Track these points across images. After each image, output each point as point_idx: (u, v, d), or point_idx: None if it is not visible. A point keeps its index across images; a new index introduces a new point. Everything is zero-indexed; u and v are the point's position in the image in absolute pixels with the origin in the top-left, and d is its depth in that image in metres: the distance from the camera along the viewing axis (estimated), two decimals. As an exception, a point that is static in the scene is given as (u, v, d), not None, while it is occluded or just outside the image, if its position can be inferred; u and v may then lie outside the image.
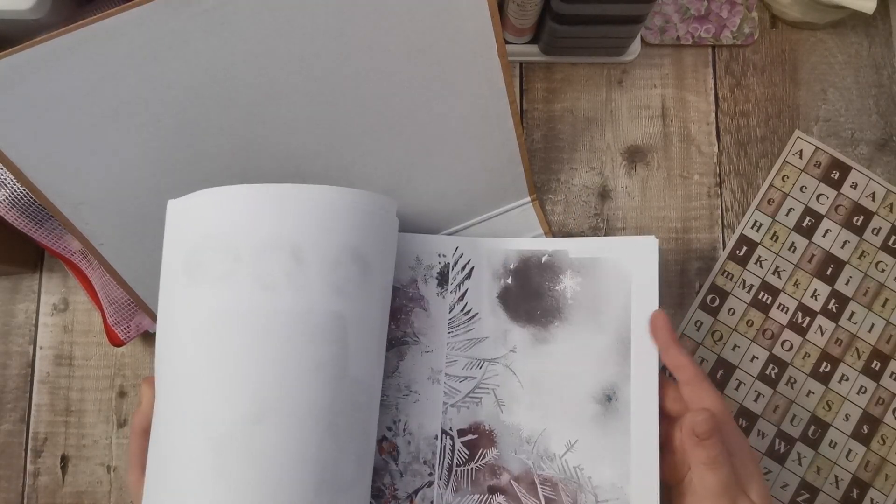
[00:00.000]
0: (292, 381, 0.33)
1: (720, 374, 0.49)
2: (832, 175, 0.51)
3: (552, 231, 0.51)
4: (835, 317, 0.49)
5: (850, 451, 0.48)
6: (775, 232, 0.50)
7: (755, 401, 0.48)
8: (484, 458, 0.42)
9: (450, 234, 0.48)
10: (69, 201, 0.38)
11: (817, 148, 0.52)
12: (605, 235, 0.51)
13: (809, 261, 0.50)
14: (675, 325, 0.50)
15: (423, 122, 0.42)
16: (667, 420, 0.40)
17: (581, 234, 0.51)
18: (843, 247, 0.50)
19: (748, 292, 0.50)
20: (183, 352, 0.34)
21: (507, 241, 0.45)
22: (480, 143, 0.44)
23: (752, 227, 0.50)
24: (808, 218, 0.50)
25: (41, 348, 0.49)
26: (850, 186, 0.51)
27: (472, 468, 0.42)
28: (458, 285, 0.45)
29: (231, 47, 0.36)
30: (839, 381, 0.48)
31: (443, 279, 0.45)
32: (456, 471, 0.42)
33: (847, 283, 0.50)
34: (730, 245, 0.50)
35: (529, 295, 0.44)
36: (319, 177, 0.42)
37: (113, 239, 0.40)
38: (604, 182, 0.52)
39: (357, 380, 0.35)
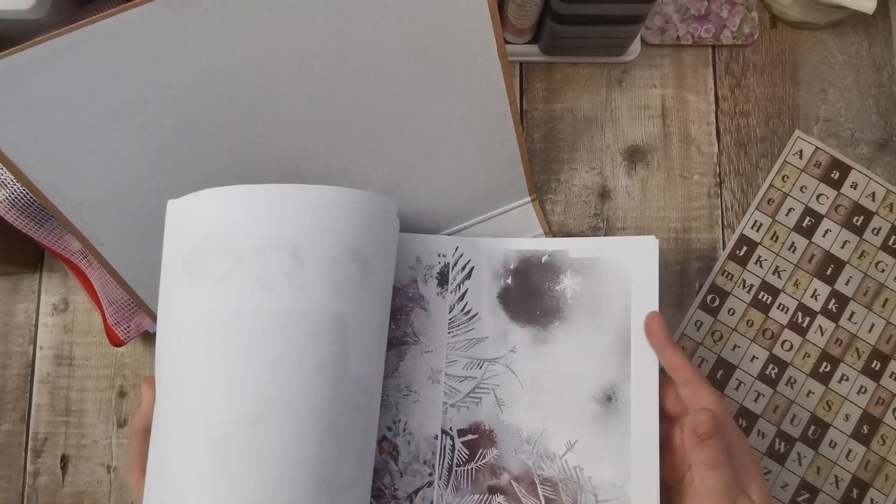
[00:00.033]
0: (292, 381, 0.33)
1: (720, 374, 0.49)
2: (832, 175, 0.51)
3: (552, 231, 0.51)
4: (835, 317, 0.49)
5: (850, 451, 0.48)
6: (775, 232, 0.50)
7: (755, 401, 0.48)
8: (484, 458, 0.42)
9: (450, 234, 0.48)
10: (69, 201, 0.38)
11: (817, 148, 0.52)
12: (605, 235, 0.51)
13: (809, 261, 0.50)
14: (675, 325, 0.50)
15: (423, 122, 0.42)
16: (667, 420, 0.40)
17: (581, 234, 0.51)
18: (843, 247, 0.50)
19: (748, 292, 0.50)
20: (183, 352, 0.34)
21: (507, 241, 0.45)
22: (480, 143, 0.44)
23: (752, 227, 0.50)
24: (808, 218, 0.50)
25: (41, 348, 0.49)
26: (850, 186, 0.51)
27: (472, 468, 0.42)
28: (458, 285, 0.45)
29: (231, 47, 0.36)
30: (839, 381, 0.48)
31: (443, 279, 0.45)
32: (456, 471, 0.42)
33: (847, 283, 0.50)
34: (730, 245, 0.50)
35: (529, 295, 0.44)
36: (319, 177, 0.42)
37: (113, 239, 0.40)
38: (604, 182, 0.52)
39: (357, 380, 0.35)
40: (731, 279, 0.50)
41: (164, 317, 0.35)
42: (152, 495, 0.34)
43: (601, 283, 0.42)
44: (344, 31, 0.37)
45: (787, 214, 0.51)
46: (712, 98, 0.53)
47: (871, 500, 0.47)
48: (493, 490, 0.42)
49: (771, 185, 0.51)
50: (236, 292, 0.33)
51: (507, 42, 0.51)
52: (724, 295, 0.50)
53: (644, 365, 0.40)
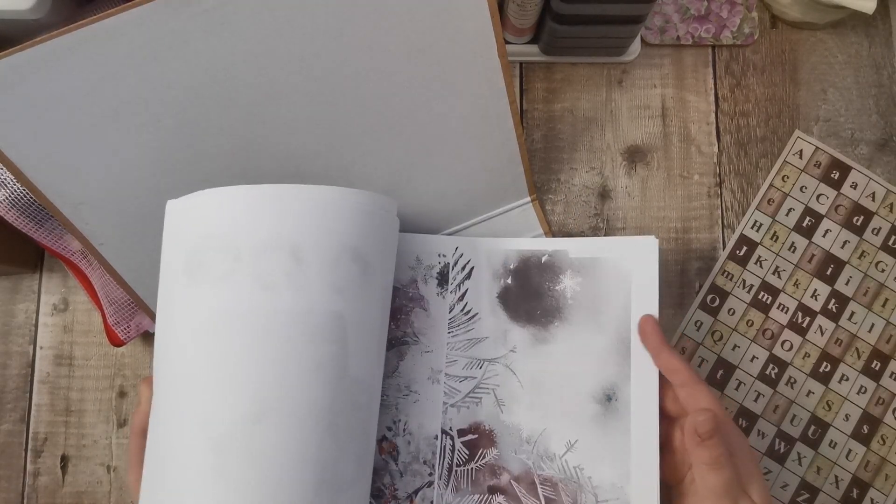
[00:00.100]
0: (292, 381, 0.33)
1: (720, 374, 0.49)
2: (832, 175, 0.51)
3: (552, 231, 0.51)
4: (835, 317, 0.49)
5: (850, 451, 0.48)
6: (775, 232, 0.50)
7: (755, 401, 0.48)
8: (484, 458, 0.42)
9: (450, 234, 0.48)
10: (69, 201, 0.38)
11: (817, 148, 0.52)
12: (605, 235, 0.51)
13: (809, 261, 0.50)
14: (675, 325, 0.50)
15: (423, 122, 0.42)
16: (667, 420, 0.40)
17: (581, 234, 0.51)
18: (843, 247, 0.50)
19: (748, 292, 0.50)
20: (183, 352, 0.34)
21: (507, 241, 0.45)
22: (480, 143, 0.44)
23: (752, 227, 0.50)
24: (808, 218, 0.50)
25: (41, 348, 0.49)
26: (850, 186, 0.51)
27: (472, 468, 0.42)
28: (458, 285, 0.45)
29: (231, 47, 0.36)
30: (839, 381, 0.48)
31: (443, 279, 0.45)
32: (456, 471, 0.42)
33: (847, 283, 0.50)
34: (730, 245, 0.50)
35: (529, 295, 0.44)
36: (319, 177, 0.42)
37: (113, 239, 0.40)
38: (604, 182, 0.52)
39: (357, 380, 0.35)
40: (731, 279, 0.50)
41: (164, 317, 0.35)
42: (150, 495, 0.34)
43: (601, 283, 0.42)
44: (344, 31, 0.37)
45: (787, 214, 0.51)
46: (712, 98, 0.53)
47: (871, 500, 0.47)
48: (493, 490, 0.42)
49: (771, 185, 0.51)
50: (236, 292, 0.33)
51: (507, 42, 0.51)
52: (724, 295, 0.50)
53: (644, 365, 0.40)
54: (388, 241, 0.38)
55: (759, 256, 0.50)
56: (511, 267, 0.44)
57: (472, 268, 0.45)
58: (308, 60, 0.37)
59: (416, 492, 0.42)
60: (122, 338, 0.45)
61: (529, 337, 0.43)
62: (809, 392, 0.48)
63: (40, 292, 0.50)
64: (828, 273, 0.50)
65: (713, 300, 0.50)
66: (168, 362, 0.34)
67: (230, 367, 0.33)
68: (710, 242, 0.51)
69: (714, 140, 0.52)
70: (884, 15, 0.54)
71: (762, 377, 0.48)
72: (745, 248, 0.50)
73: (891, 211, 0.51)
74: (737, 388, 0.48)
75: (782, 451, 0.48)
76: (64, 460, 0.48)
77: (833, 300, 0.49)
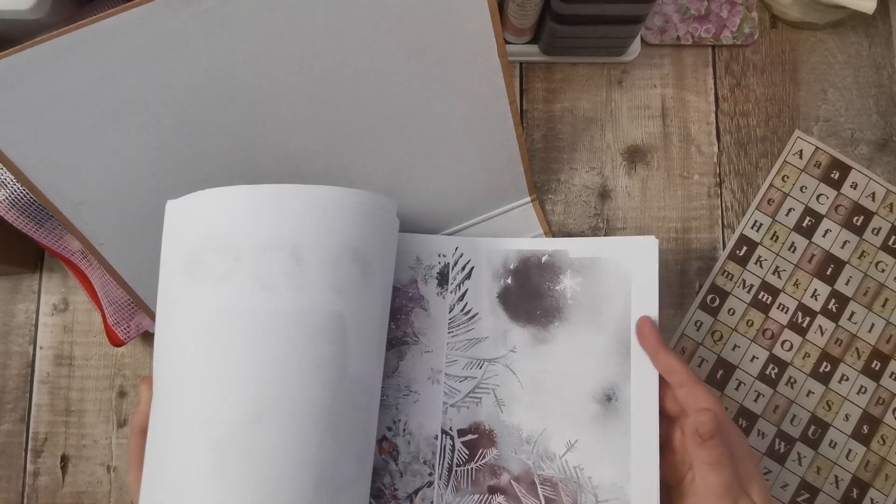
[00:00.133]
0: (292, 381, 0.33)
1: (720, 374, 0.49)
2: (832, 175, 0.51)
3: (552, 231, 0.51)
4: (835, 317, 0.49)
5: (850, 451, 0.48)
6: (775, 232, 0.50)
7: (755, 401, 0.48)
8: (484, 458, 0.42)
9: (450, 234, 0.48)
10: (69, 201, 0.38)
11: (817, 148, 0.52)
12: (605, 235, 0.51)
13: (809, 261, 0.50)
14: (675, 325, 0.50)
15: (423, 122, 0.42)
16: (667, 420, 0.40)
17: (581, 234, 0.51)
18: (843, 247, 0.50)
19: (748, 292, 0.50)
20: (182, 352, 0.34)
21: (507, 241, 0.45)
22: (480, 143, 0.44)
23: (752, 227, 0.50)
24: (808, 218, 0.50)
25: (41, 348, 0.49)
26: (850, 186, 0.51)
27: (472, 468, 0.42)
28: (458, 285, 0.45)
29: (231, 47, 0.36)
30: (839, 381, 0.48)
31: (443, 279, 0.45)
32: (456, 471, 0.42)
33: (847, 283, 0.50)
34: (730, 245, 0.50)
35: (529, 295, 0.44)
36: (319, 177, 0.42)
37: (113, 239, 0.40)
38: (604, 182, 0.52)
39: (357, 380, 0.35)
40: (731, 279, 0.50)
41: (163, 317, 0.35)
42: (150, 495, 0.34)
43: (601, 283, 0.42)
44: (344, 31, 0.37)
45: (787, 214, 0.51)
46: (712, 98, 0.53)
47: (871, 500, 0.47)
48: (493, 490, 0.42)
49: (771, 185, 0.51)
50: (236, 292, 0.33)
51: (507, 42, 0.51)
52: (724, 295, 0.50)
53: (644, 365, 0.40)
54: (388, 241, 0.38)
55: (759, 256, 0.50)
56: (511, 267, 0.44)
57: (472, 268, 0.45)
58: (308, 60, 0.37)
59: (416, 492, 0.42)
60: (122, 338, 0.45)
61: (529, 337, 0.43)
62: (809, 392, 0.48)
63: (40, 292, 0.50)
64: (828, 273, 0.50)
65: (713, 300, 0.50)
66: (168, 362, 0.34)
67: (230, 367, 0.33)
68: (710, 242, 0.51)
69: (714, 140, 0.52)
70: (884, 15, 0.54)
71: (762, 377, 0.48)
72: (745, 248, 0.50)
73: (891, 211, 0.51)
74: (737, 388, 0.48)
75: (782, 451, 0.48)
76: (64, 460, 0.48)
77: (833, 300, 0.49)
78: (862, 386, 0.48)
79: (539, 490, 0.41)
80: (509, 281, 0.44)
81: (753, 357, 0.49)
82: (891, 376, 0.48)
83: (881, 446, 0.48)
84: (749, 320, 0.49)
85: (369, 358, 0.36)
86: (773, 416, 0.48)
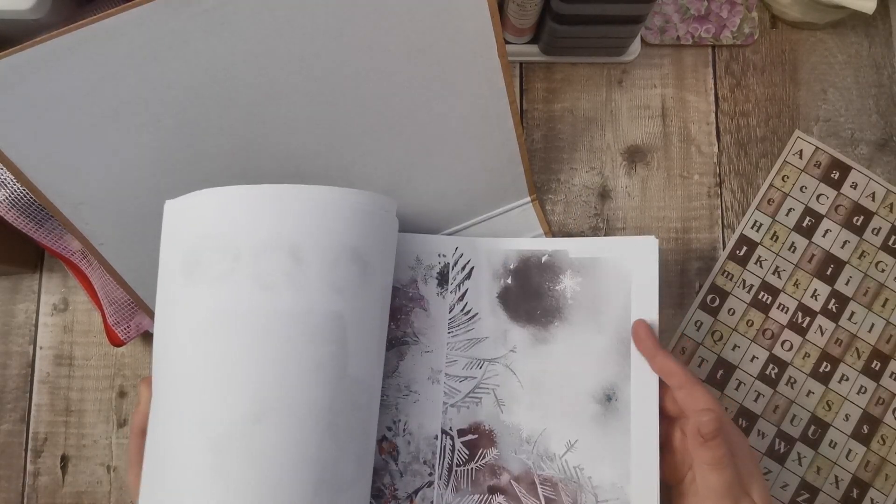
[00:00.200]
0: (291, 381, 0.33)
1: (720, 374, 0.49)
2: (832, 175, 0.51)
3: (552, 231, 0.51)
4: (835, 317, 0.49)
5: (850, 451, 0.48)
6: (775, 232, 0.50)
7: (755, 401, 0.48)
8: (484, 458, 0.42)
9: (450, 234, 0.48)
10: (69, 201, 0.38)
11: (817, 148, 0.52)
12: (605, 235, 0.51)
13: (809, 261, 0.50)
14: (675, 325, 0.50)
15: (423, 122, 0.42)
16: (667, 420, 0.40)
17: (581, 234, 0.51)
18: (843, 247, 0.50)
19: (748, 292, 0.50)
20: (181, 352, 0.34)
21: (507, 241, 0.45)
22: (480, 143, 0.44)
23: (752, 227, 0.50)
24: (808, 218, 0.50)
25: (41, 348, 0.49)
26: (850, 186, 0.51)
27: (472, 468, 0.42)
28: (458, 285, 0.45)
29: (231, 47, 0.36)
30: (839, 381, 0.48)
31: (443, 279, 0.45)
32: (456, 471, 0.42)
33: (847, 283, 0.50)
34: (730, 245, 0.50)
35: (529, 295, 0.44)
36: (319, 177, 0.42)
37: (113, 239, 0.40)
38: (604, 182, 0.52)
39: (357, 380, 0.35)
40: (731, 279, 0.50)
41: (162, 317, 0.35)
42: (149, 495, 0.34)
43: (601, 283, 0.42)
44: (344, 31, 0.37)
45: (787, 214, 0.51)
46: (712, 98, 0.53)
47: (871, 500, 0.47)
48: (493, 490, 0.42)
49: (771, 185, 0.51)
50: (235, 292, 0.33)
51: (507, 42, 0.51)
52: (724, 295, 0.50)
53: (644, 365, 0.40)
54: (387, 241, 0.38)
55: (759, 256, 0.50)
56: (511, 267, 0.44)
57: (472, 268, 0.45)
58: (308, 60, 0.37)
59: (416, 492, 0.42)
60: (122, 338, 0.45)
61: (529, 337, 0.43)
62: (809, 392, 0.48)
63: (40, 292, 0.50)
64: (828, 273, 0.50)
65: (713, 300, 0.50)
66: (167, 362, 0.34)
67: (229, 367, 0.33)
68: (710, 242, 0.51)
69: (714, 140, 0.52)
70: (884, 15, 0.54)
71: (762, 377, 0.48)
72: (745, 248, 0.50)
73: (891, 211, 0.51)
74: (737, 388, 0.48)
75: (782, 451, 0.48)
76: (64, 460, 0.48)
77: (833, 300, 0.49)
78: (862, 386, 0.48)
79: (539, 490, 0.41)
80: (509, 281, 0.44)
81: (753, 357, 0.49)
82: (891, 376, 0.48)
83: (881, 446, 0.48)
84: (749, 320, 0.49)
85: (369, 358, 0.36)
86: (773, 416, 0.48)
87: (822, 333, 0.49)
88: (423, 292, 0.45)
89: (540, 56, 0.52)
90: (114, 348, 0.49)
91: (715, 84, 0.53)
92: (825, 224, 0.50)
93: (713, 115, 0.53)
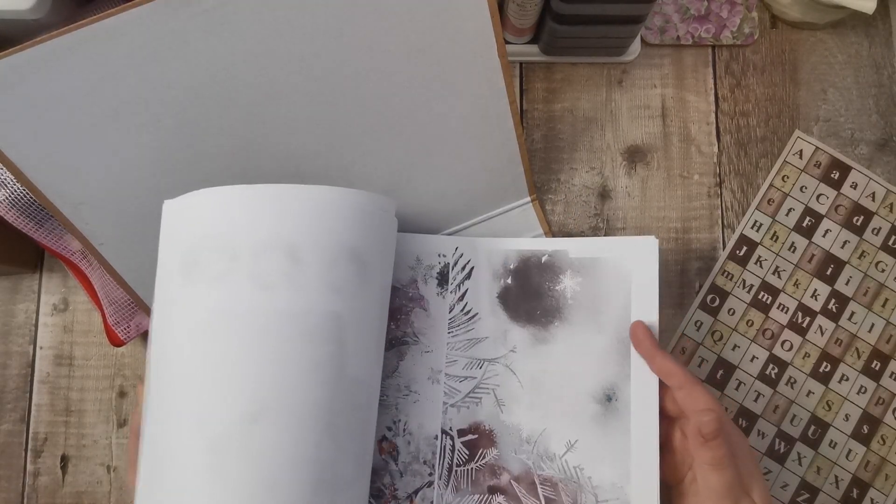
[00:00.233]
0: (290, 381, 0.33)
1: (720, 374, 0.49)
2: (832, 175, 0.51)
3: (552, 231, 0.51)
4: (835, 317, 0.49)
5: (850, 451, 0.48)
6: (775, 232, 0.50)
7: (755, 401, 0.48)
8: (484, 458, 0.42)
9: (450, 234, 0.48)
10: (69, 201, 0.38)
11: (817, 148, 0.52)
12: (605, 235, 0.51)
13: (809, 261, 0.50)
14: (675, 325, 0.50)
15: (423, 122, 0.42)
16: (667, 420, 0.40)
17: (581, 234, 0.51)
18: (843, 247, 0.50)
19: (748, 292, 0.50)
20: (179, 351, 0.34)
21: (507, 241, 0.45)
22: (480, 143, 0.44)
23: (752, 227, 0.50)
24: (808, 218, 0.50)
25: (41, 348, 0.49)
26: (850, 186, 0.51)
27: (472, 468, 0.42)
28: (458, 285, 0.45)
29: (231, 47, 0.36)
30: (839, 381, 0.48)
31: (443, 279, 0.45)
32: (456, 471, 0.42)
33: (847, 283, 0.50)
34: (730, 245, 0.50)
35: (529, 295, 0.44)
36: (319, 177, 0.42)
37: (113, 239, 0.40)
38: (604, 182, 0.52)
39: (355, 380, 0.35)
40: (731, 279, 0.50)
41: (160, 317, 0.35)
42: (147, 495, 0.34)
43: (601, 284, 0.42)
44: (344, 31, 0.37)
45: (787, 214, 0.51)
46: (712, 98, 0.53)
47: (871, 500, 0.47)
48: (493, 490, 0.42)
49: (771, 185, 0.51)
50: (234, 292, 0.33)
51: (507, 42, 0.51)
52: (724, 295, 0.50)
53: (644, 365, 0.40)
54: (386, 241, 0.38)
55: (759, 256, 0.50)
56: (511, 267, 0.44)
57: (472, 268, 0.45)
58: (308, 60, 0.37)
59: (416, 492, 0.42)
60: (122, 338, 0.45)
61: (529, 337, 0.43)
62: (809, 392, 0.48)
63: (40, 292, 0.50)
64: (828, 273, 0.50)
65: (713, 300, 0.50)
66: (164, 362, 0.34)
67: (227, 367, 0.33)
68: (710, 242, 0.51)
69: (714, 140, 0.52)
70: (884, 15, 0.54)
71: (762, 377, 0.48)
72: (745, 248, 0.50)
73: (891, 211, 0.51)
74: (737, 388, 0.48)
75: (782, 451, 0.48)
76: (64, 460, 0.48)
77: (833, 300, 0.49)
78: (862, 386, 0.48)
79: (539, 490, 0.41)
80: (509, 281, 0.44)
81: (753, 357, 0.49)
82: (891, 376, 0.48)
83: (881, 446, 0.48)
84: (749, 320, 0.49)
85: (368, 358, 0.36)
86: (773, 416, 0.48)
87: (822, 333, 0.49)
88: (423, 292, 0.45)
89: (540, 56, 0.52)
90: (114, 348, 0.49)
91: (715, 84, 0.53)
92: (825, 224, 0.50)
93: (713, 115, 0.53)
